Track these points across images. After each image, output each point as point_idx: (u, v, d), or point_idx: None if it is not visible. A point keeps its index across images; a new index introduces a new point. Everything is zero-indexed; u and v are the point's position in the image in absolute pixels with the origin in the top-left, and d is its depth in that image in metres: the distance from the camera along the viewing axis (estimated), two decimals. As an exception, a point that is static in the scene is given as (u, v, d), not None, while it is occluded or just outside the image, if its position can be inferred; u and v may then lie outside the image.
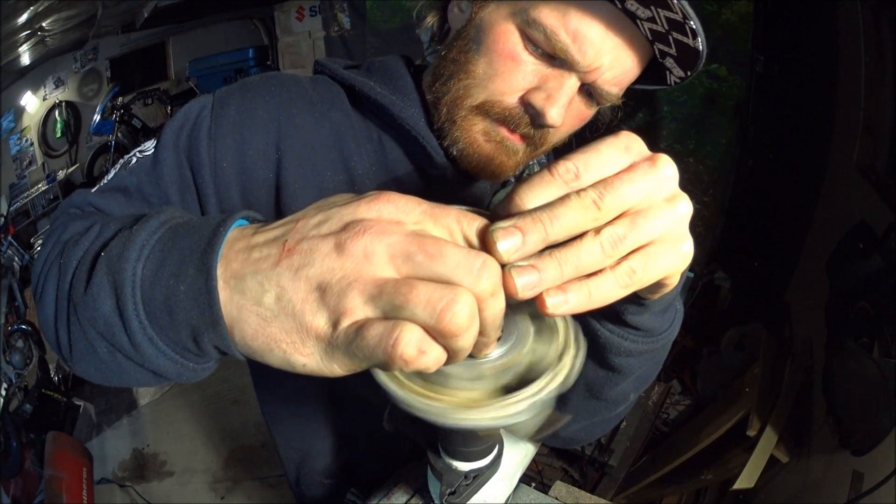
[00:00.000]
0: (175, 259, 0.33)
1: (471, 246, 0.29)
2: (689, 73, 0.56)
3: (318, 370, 0.30)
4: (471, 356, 0.31)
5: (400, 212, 0.30)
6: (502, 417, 0.30)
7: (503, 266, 0.28)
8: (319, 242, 0.29)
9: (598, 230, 0.29)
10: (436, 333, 0.27)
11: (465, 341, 0.28)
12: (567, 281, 0.29)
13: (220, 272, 0.31)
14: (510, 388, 0.32)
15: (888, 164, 1.68)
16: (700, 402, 2.23)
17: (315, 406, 0.73)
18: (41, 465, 2.09)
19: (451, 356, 0.29)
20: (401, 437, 0.48)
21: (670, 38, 0.51)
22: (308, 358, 0.30)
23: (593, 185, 0.29)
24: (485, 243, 0.29)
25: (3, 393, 2.37)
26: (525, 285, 0.28)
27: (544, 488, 0.67)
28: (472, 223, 0.30)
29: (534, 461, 1.96)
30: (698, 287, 2.36)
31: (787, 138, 2.32)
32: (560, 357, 0.33)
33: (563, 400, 0.59)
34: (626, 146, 0.31)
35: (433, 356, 0.27)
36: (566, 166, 0.30)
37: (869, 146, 1.81)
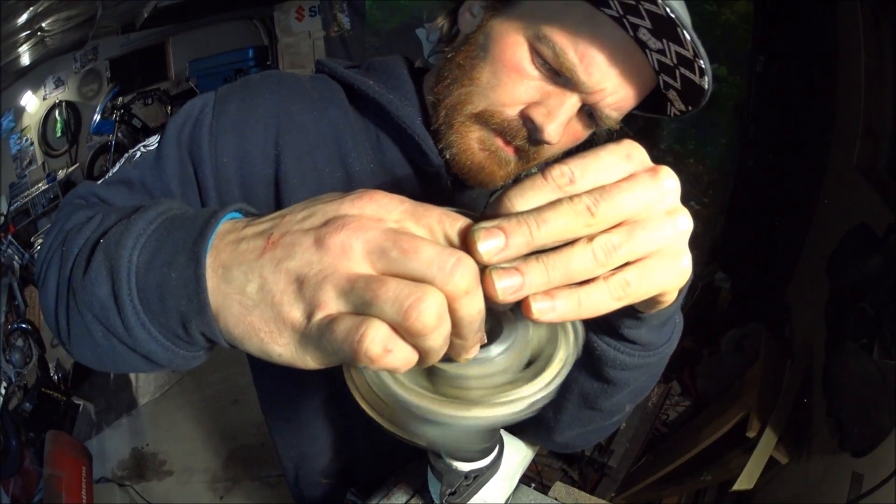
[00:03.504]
0: (169, 248, 0.34)
1: (452, 246, 0.29)
2: (690, 108, 0.56)
3: (293, 361, 0.31)
4: (448, 359, 0.30)
5: (382, 209, 0.30)
6: (517, 412, 0.30)
7: (485, 268, 0.28)
8: (301, 237, 0.29)
9: (590, 237, 0.28)
10: (403, 332, 0.27)
11: (434, 341, 0.27)
12: (556, 287, 0.28)
13: (210, 262, 0.32)
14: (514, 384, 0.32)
15: (888, 164, 1.69)
16: (700, 403, 2.23)
17: (315, 406, 0.73)
18: (40, 464, 2.09)
19: (423, 357, 0.28)
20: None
21: (677, 72, 0.52)
22: (283, 348, 0.30)
23: (589, 192, 0.28)
24: (466, 244, 0.28)
25: (3, 392, 2.37)
26: (506, 288, 0.27)
27: (544, 489, 0.67)
28: (454, 223, 0.29)
29: (533, 462, 1.96)
30: (698, 288, 2.36)
31: (787, 139, 2.32)
32: (557, 348, 0.34)
33: (558, 409, 0.59)
34: (628, 154, 0.30)
35: (401, 356, 0.27)
36: (561, 170, 0.29)
37: (869, 147, 1.81)
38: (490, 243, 0.27)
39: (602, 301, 0.29)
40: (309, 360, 0.30)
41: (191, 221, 0.35)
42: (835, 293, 1.81)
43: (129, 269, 0.35)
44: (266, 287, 0.30)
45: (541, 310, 0.28)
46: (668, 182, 0.29)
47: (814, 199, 2.15)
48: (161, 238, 0.35)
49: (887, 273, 1.56)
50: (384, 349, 0.26)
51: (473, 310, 0.27)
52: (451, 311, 0.27)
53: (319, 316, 0.28)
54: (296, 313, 0.29)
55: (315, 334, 0.29)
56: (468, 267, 0.27)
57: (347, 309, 0.28)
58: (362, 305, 0.27)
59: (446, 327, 0.27)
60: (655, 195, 0.29)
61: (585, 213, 0.28)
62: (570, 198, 0.28)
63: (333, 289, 0.28)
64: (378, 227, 0.28)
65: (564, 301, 0.28)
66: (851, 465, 1.42)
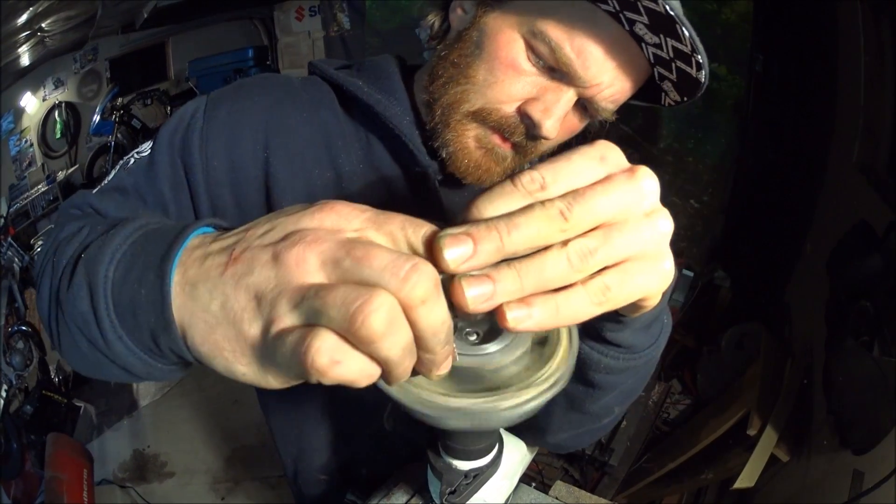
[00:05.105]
0: (141, 264, 0.34)
1: (416, 255, 0.27)
2: (685, 99, 0.56)
3: (257, 381, 0.30)
4: (416, 373, 0.29)
5: (342, 220, 0.29)
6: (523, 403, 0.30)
7: (453, 277, 0.26)
8: (260, 252, 0.29)
9: (565, 242, 0.27)
10: (352, 339, 0.25)
11: (388, 350, 0.25)
12: (531, 294, 0.27)
13: (178, 278, 0.32)
14: (515, 384, 0.32)
15: (888, 163, 1.68)
16: (700, 402, 2.23)
17: (314, 402, 0.74)
18: (42, 467, 2.08)
19: (385, 371, 0.27)
20: (400, 437, 0.48)
21: (673, 65, 0.52)
22: (246, 367, 0.30)
23: (562, 196, 0.27)
24: (432, 251, 0.27)
25: (4, 394, 2.37)
26: (476, 297, 0.26)
27: (544, 488, 0.67)
28: (417, 230, 0.27)
29: (534, 461, 1.96)
30: (698, 286, 2.36)
31: (787, 138, 2.32)
32: (557, 345, 0.34)
33: (546, 412, 0.59)
34: (602, 156, 0.29)
35: (354, 366, 0.26)
36: (531, 176, 0.28)
37: (869, 146, 1.81)
38: (457, 251, 0.26)
39: (581, 307, 0.28)
40: (271, 380, 0.29)
41: (163, 237, 0.35)
42: (835, 291, 1.81)
43: (106, 284, 0.35)
44: (228, 304, 0.29)
45: (516, 318, 0.27)
46: (647, 183, 0.28)
47: (813, 199, 2.15)
48: (135, 254, 0.35)
49: (887, 271, 1.56)
50: (331, 360, 0.25)
51: (435, 320, 0.26)
52: (411, 322, 0.26)
53: (273, 331, 0.27)
54: (254, 330, 0.28)
55: (270, 351, 0.28)
56: (424, 273, 0.25)
57: (300, 322, 0.27)
58: (313, 315, 0.26)
59: (402, 336, 0.25)
60: (633, 197, 0.28)
61: (559, 218, 0.26)
62: (542, 202, 0.27)
63: (288, 302, 0.27)
64: (334, 238, 0.27)
65: (541, 308, 0.27)
66: (852, 462, 1.42)
